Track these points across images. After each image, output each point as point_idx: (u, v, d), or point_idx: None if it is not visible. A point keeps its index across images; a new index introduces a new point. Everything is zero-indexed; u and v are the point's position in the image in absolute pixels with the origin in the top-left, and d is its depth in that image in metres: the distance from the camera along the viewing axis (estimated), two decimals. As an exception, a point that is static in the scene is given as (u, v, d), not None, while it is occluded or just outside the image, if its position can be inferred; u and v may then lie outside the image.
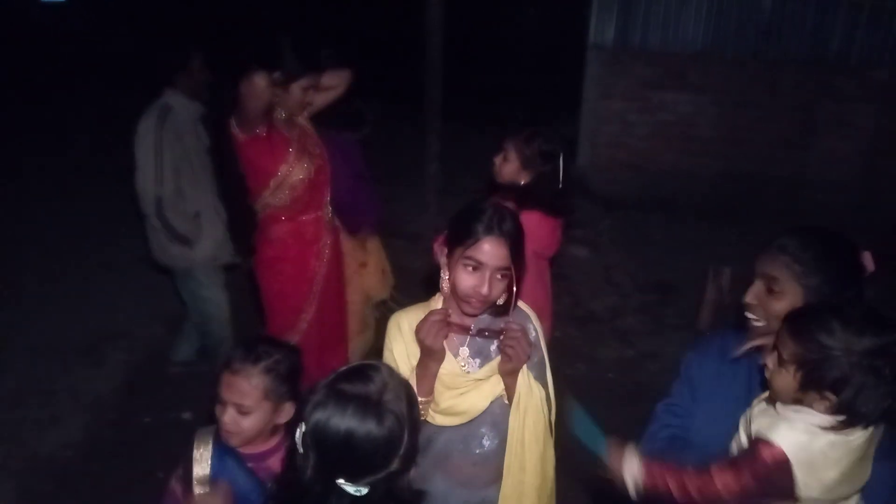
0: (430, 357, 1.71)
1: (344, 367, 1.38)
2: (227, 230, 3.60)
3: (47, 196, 5.81)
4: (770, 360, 1.39)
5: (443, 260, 1.73)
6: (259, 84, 2.64)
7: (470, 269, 1.63)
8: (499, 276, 1.64)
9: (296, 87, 2.77)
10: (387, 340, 1.82)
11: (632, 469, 1.46)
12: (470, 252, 1.62)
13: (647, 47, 6.21)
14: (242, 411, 1.68)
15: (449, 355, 1.75)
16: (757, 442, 1.36)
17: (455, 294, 1.69)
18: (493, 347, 1.79)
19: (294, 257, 3.01)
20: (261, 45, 2.97)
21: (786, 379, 1.35)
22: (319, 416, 1.27)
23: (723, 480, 1.35)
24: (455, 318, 1.74)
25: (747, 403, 1.52)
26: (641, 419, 1.82)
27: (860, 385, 1.27)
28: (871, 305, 1.36)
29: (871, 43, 5.91)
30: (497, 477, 1.83)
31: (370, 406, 1.27)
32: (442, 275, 1.73)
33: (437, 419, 1.77)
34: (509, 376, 1.74)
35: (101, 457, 3.31)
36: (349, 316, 3.45)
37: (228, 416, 1.69)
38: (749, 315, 1.60)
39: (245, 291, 3.55)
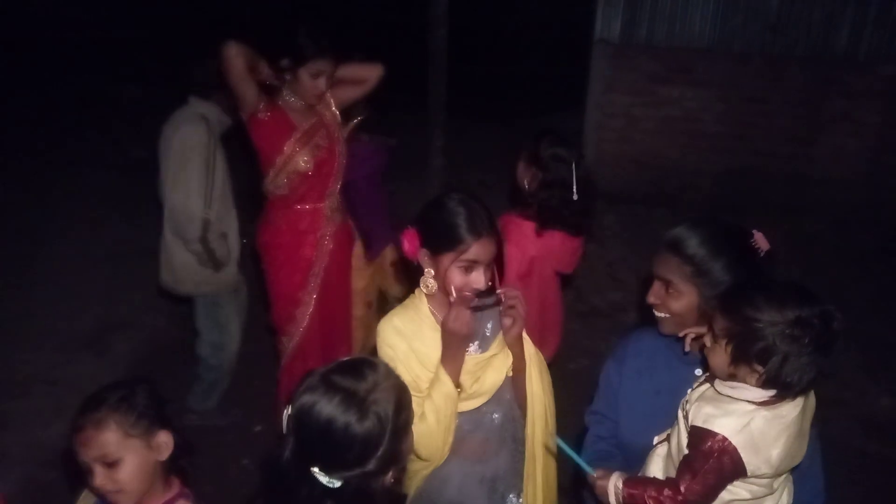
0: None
1: (343, 359, 1.40)
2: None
3: (50, 186, 5.82)
4: (707, 338, 1.47)
5: (427, 261, 1.75)
6: (227, 53, 2.62)
7: (464, 269, 1.69)
8: (488, 265, 1.72)
9: (304, 73, 2.71)
10: (383, 346, 1.79)
11: (615, 498, 1.52)
12: (464, 256, 1.67)
13: (654, 42, 6.17)
14: (110, 463, 1.50)
15: None
16: (701, 436, 1.41)
17: (445, 290, 1.72)
18: (489, 325, 1.85)
19: (286, 244, 2.99)
20: (265, 31, 2.93)
21: (719, 354, 1.43)
22: (306, 399, 1.30)
23: (691, 489, 1.41)
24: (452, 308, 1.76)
25: (670, 394, 1.58)
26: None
27: (784, 355, 1.34)
28: (797, 282, 1.43)
29: (878, 38, 5.86)
30: (503, 444, 1.88)
31: (355, 402, 1.28)
32: (426, 275, 1.75)
33: (461, 406, 1.80)
34: (516, 344, 1.80)
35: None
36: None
37: (100, 478, 1.49)
38: (656, 313, 1.67)
39: (254, 284, 3.54)
